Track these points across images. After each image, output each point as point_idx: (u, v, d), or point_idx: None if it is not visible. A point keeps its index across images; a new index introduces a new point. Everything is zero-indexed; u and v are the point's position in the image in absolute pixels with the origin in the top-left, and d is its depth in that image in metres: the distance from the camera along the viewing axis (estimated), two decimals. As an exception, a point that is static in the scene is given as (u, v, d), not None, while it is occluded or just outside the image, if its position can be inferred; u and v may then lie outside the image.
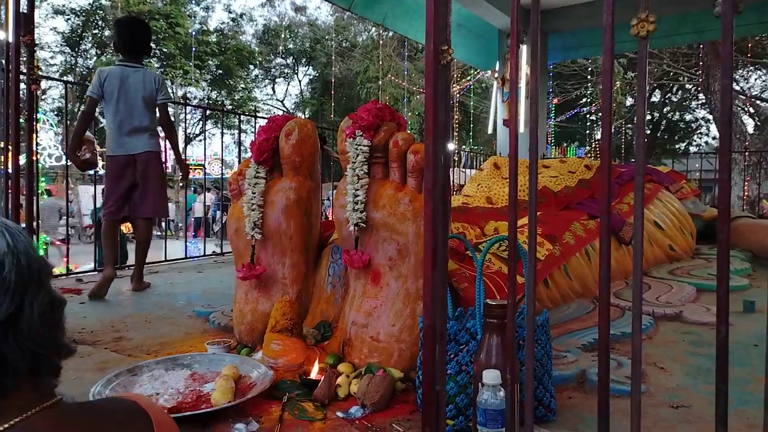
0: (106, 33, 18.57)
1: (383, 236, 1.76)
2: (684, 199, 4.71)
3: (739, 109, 14.92)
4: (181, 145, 3.18)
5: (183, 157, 3.49)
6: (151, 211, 3.09)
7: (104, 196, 3.13)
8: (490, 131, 7.98)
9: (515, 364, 1.04)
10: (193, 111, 20.58)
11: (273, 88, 24.49)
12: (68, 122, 5.96)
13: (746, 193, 11.79)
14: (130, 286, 3.18)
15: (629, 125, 21.11)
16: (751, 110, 16.01)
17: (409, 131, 1.87)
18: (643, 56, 0.83)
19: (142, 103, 2.99)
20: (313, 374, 1.65)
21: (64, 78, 17.12)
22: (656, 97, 20.19)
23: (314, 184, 2.06)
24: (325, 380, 1.56)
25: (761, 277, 3.40)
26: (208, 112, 21.94)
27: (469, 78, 14.25)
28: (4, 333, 0.58)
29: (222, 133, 6.12)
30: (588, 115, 20.57)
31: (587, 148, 21.42)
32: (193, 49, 17.92)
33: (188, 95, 19.62)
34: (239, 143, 4.83)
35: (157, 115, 3.08)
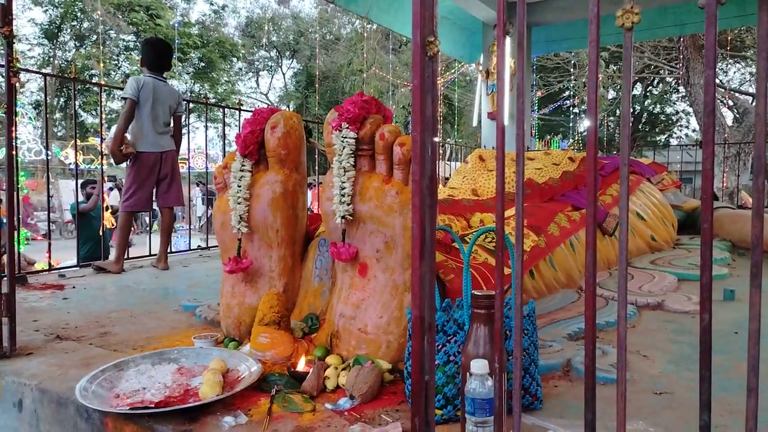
0: (85, 25, 18.26)
1: (370, 229, 1.76)
2: (665, 190, 4.78)
3: (718, 101, 15.14)
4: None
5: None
6: (176, 201, 3.70)
7: (131, 188, 3.51)
8: (474, 124, 8.01)
9: (503, 354, 1.05)
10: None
11: (257, 81, 24.29)
12: (47, 115, 5.83)
13: (725, 185, 11.99)
14: (116, 277, 3.23)
15: (611, 117, 21.35)
16: (731, 103, 16.27)
17: (395, 122, 1.87)
18: (628, 47, 0.84)
19: (168, 110, 3.61)
20: (301, 367, 1.65)
21: (43, 70, 16.81)
22: (637, 90, 20.43)
23: (300, 177, 2.05)
24: (314, 372, 1.56)
25: (740, 266, 3.47)
26: (191, 105, 21.76)
27: (453, 71, 14.26)
28: None
29: (206, 127, 6.06)
30: (571, 108, 20.75)
31: (570, 140, 21.63)
32: (176, 41, 17.69)
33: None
34: (224, 136, 4.78)
35: (172, 123, 3.69)
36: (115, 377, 1.58)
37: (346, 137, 1.77)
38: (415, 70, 1.03)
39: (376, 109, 1.86)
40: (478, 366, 1.15)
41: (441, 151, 9.10)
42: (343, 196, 1.75)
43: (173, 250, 4.32)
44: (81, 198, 5.23)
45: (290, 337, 1.81)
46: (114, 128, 3.69)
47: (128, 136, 3.53)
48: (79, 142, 16.48)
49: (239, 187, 1.99)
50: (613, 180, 3.86)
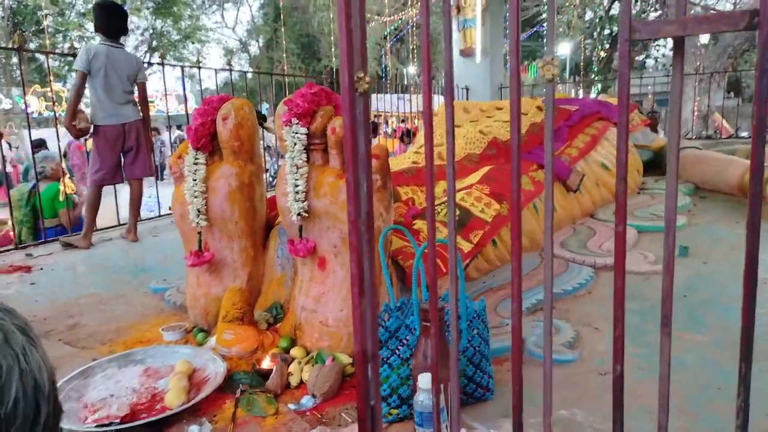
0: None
1: (326, 224, 1.77)
2: (633, 131, 4.80)
3: (700, 10, 14.86)
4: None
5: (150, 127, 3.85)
6: (143, 172, 3.59)
7: (96, 163, 3.43)
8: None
9: (445, 375, 1.11)
10: (138, 45, 19.50)
11: (222, 15, 23.16)
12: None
13: (696, 110, 12.05)
14: (84, 254, 3.23)
15: (588, 40, 20.96)
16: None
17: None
18: (550, 98, 0.84)
19: (126, 79, 3.41)
20: (266, 364, 1.71)
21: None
22: (615, 10, 19.96)
23: (255, 167, 2.03)
24: (277, 371, 1.62)
25: (700, 212, 3.56)
26: (154, 42, 20.79)
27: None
28: None
29: (164, 82, 5.82)
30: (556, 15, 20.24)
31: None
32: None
33: (130, 26, 18.45)
34: (185, 99, 4.63)
35: (136, 91, 3.51)
36: (82, 386, 1.62)
37: (296, 133, 1.75)
38: (344, 108, 1.01)
39: (327, 100, 1.82)
40: (425, 381, 1.21)
41: (414, 84, 8.93)
42: (297, 193, 1.75)
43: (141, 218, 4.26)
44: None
45: (254, 331, 1.86)
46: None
47: (86, 110, 3.39)
48: (39, 88, 15.83)
49: (194, 180, 1.97)
50: (582, 129, 3.86)
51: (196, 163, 1.97)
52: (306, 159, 1.78)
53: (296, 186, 1.75)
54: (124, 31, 3.54)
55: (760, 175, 0.72)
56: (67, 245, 3.38)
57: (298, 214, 1.75)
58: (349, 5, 0.99)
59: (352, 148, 1.03)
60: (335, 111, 1.82)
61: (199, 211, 1.97)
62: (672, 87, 0.79)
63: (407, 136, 8.64)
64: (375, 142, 8.57)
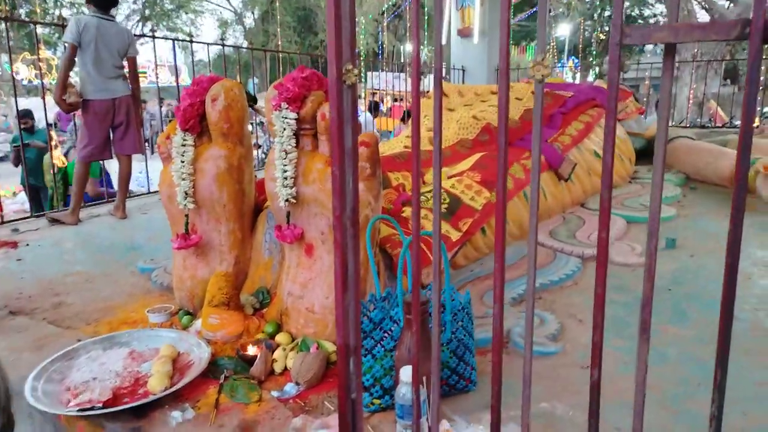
0: None
1: (314, 211, 1.76)
2: (627, 118, 4.79)
3: (694, 4, 14.73)
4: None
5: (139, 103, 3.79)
6: (133, 149, 3.54)
7: (84, 138, 3.40)
8: (443, 42, 7.72)
9: (426, 369, 1.11)
10: (131, 15, 19.11)
11: (217, -16, 22.67)
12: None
13: (691, 97, 12.02)
14: (72, 230, 3.21)
15: (588, 22, 20.78)
16: (707, 6, 15.92)
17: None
18: (539, 96, 0.83)
19: (117, 53, 3.37)
20: (251, 351, 1.71)
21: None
22: (616, -7, 19.74)
23: (245, 149, 2.00)
24: (261, 358, 1.62)
25: (690, 203, 3.57)
26: (147, 12, 20.38)
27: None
28: None
29: (155, 58, 5.71)
30: (548, 13, 20.06)
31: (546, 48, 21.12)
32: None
33: (123, -6, 18.06)
34: (176, 72, 4.56)
35: (126, 65, 3.47)
36: (65, 367, 1.62)
37: (286, 118, 1.72)
38: (332, 101, 0.99)
39: (318, 85, 1.79)
40: (407, 374, 1.22)
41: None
42: (285, 179, 1.73)
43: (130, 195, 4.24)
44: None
45: (240, 316, 1.85)
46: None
47: (76, 83, 3.33)
48: (29, 56, 15.54)
49: (182, 162, 1.94)
50: (576, 116, 3.84)
51: (184, 145, 1.94)
52: (295, 144, 1.76)
53: (285, 171, 1.73)
54: (115, 2, 3.48)
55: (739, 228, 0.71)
56: (55, 221, 3.35)
57: (286, 200, 1.74)
58: (339, -6, 0.97)
59: (338, 142, 1.02)
60: (326, 96, 1.79)
61: (186, 194, 1.95)
62: (661, 92, 0.78)
63: (409, 117, 8.58)
64: (375, 121, 8.50)
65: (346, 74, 0.99)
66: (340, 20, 0.98)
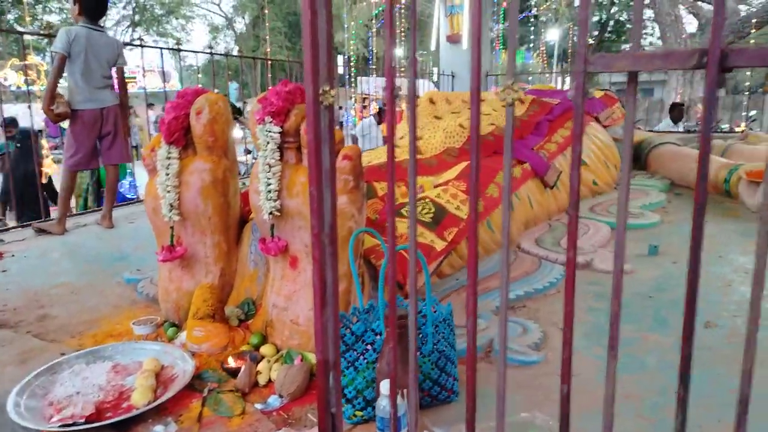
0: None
1: (298, 224, 1.77)
2: (613, 125, 4.84)
3: (681, 9, 14.90)
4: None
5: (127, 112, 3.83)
6: (120, 158, 3.58)
7: (71, 147, 3.40)
8: (432, 48, 7.79)
9: (405, 381, 1.12)
10: (121, 19, 19.05)
11: (207, -11, 22.66)
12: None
13: (678, 98, 12.15)
14: (58, 240, 3.20)
15: (576, 28, 20.95)
16: (695, 12, 16.11)
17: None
18: (510, 119, 0.85)
19: (106, 64, 3.40)
20: (235, 362, 1.72)
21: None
22: (604, -2, 19.96)
23: (230, 162, 2.01)
24: (245, 370, 1.63)
25: (674, 209, 3.62)
26: (137, 18, 20.33)
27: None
28: None
29: (142, 64, 5.71)
30: (536, 18, 20.25)
31: (535, 52, 21.29)
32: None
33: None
34: (163, 77, 4.55)
35: (114, 75, 3.50)
36: (49, 382, 1.62)
37: (270, 131, 1.74)
38: (309, 122, 1.01)
39: (302, 99, 1.81)
40: (386, 388, 1.23)
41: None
42: (269, 192, 1.75)
43: (118, 202, 4.23)
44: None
45: (225, 328, 1.86)
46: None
47: (64, 93, 3.34)
48: (17, 62, 15.44)
49: (167, 175, 1.95)
50: (562, 123, 3.89)
51: (169, 158, 1.95)
52: (279, 157, 1.77)
53: (269, 185, 1.74)
54: (103, 12, 3.52)
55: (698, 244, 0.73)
56: (41, 231, 3.34)
57: (270, 213, 1.75)
58: (315, 14, 0.99)
59: (315, 162, 1.03)
60: (309, 109, 1.81)
61: (171, 206, 1.96)
62: (626, 119, 0.80)
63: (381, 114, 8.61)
64: (379, 128, 8.50)
65: (323, 95, 1.01)
66: (317, 41, 1.00)
